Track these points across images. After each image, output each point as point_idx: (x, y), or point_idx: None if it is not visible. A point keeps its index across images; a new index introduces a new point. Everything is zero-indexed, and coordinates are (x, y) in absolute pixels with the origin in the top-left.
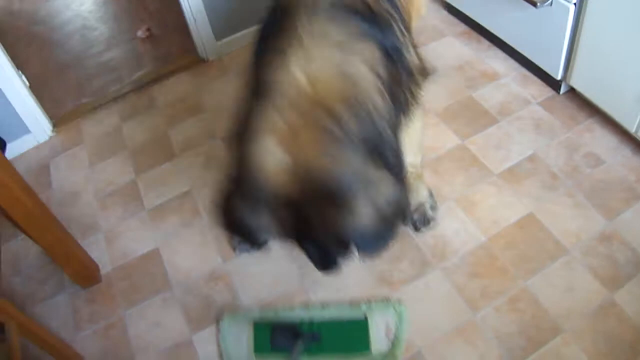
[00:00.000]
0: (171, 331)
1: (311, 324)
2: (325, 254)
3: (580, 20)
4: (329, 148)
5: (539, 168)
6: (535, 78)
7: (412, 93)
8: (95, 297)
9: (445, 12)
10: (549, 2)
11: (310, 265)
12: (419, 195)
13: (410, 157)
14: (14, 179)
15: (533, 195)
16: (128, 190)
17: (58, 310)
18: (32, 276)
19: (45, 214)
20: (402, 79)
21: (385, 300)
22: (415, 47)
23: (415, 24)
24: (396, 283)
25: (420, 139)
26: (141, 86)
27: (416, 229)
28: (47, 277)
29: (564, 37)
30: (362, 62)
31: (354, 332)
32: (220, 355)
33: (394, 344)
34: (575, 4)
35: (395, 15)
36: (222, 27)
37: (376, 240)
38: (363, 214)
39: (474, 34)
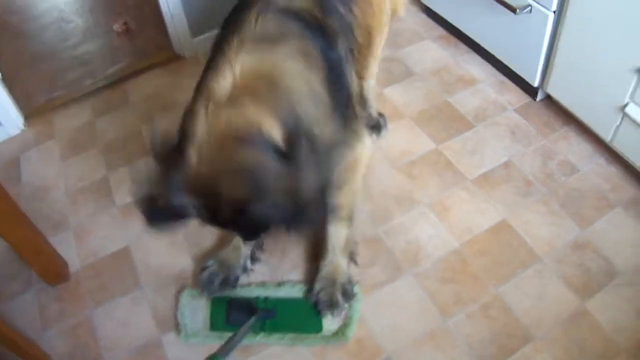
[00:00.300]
0: (140, 331)
1: (266, 300)
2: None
3: (559, 29)
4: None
5: (513, 175)
6: (512, 84)
7: (348, 116)
8: (63, 295)
9: (424, 16)
10: (528, 9)
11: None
12: (337, 271)
13: (341, 197)
14: None
15: (507, 202)
16: (99, 186)
17: (25, 308)
18: None
19: (13, 209)
20: (341, 96)
21: None
22: (362, 76)
23: (378, 51)
24: (367, 287)
25: (357, 181)
26: (115, 81)
27: (318, 309)
28: (14, 274)
29: (542, 45)
30: (292, 57)
31: (308, 311)
32: (177, 327)
33: (346, 323)
34: (554, 12)
35: (344, 35)
36: (199, 23)
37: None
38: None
39: (452, 39)
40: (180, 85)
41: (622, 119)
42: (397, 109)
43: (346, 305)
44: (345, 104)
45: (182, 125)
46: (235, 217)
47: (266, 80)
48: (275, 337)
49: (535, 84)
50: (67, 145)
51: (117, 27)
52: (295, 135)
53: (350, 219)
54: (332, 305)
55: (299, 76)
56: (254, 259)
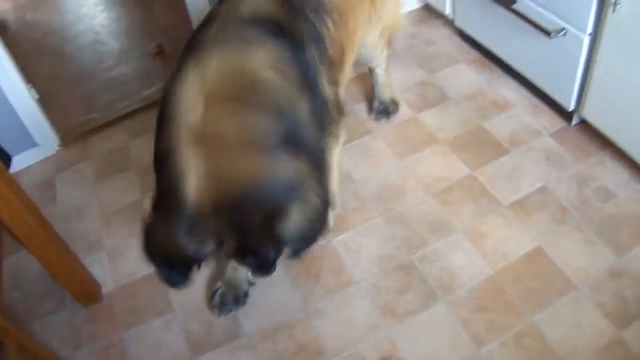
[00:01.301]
0: (172, 354)
1: None
2: (264, 261)
3: (595, 52)
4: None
5: (548, 201)
6: (546, 108)
7: (324, 122)
8: (96, 316)
9: (458, 39)
10: (563, 32)
11: (313, 295)
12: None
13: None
14: (17, 195)
15: (542, 228)
16: (133, 209)
17: (57, 328)
18: (32, 292)
19: (48, 231)
20: (316, 101)
21: None
22: (335, 84)
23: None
24: (401, 315)
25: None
26: (150, 103)
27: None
28: (48, 294)
29: (577, 68)
30: (262, 62)
31: None
32: None
33: None
34: (590, 34)
35: (314, 43)
36: None
37: (307, 241)
38: (296, 218)
39: (487, 62)
40: None
41: None
42: (432, 134)
43: None
44: (321, 107)
45: (161, 173)
46: (265, 234)
47: (241, 84)
48: None
49: (570, 108)
50: (102, 167)
51: (151, 49)
52: (293, 136)
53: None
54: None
55: (272, 79)
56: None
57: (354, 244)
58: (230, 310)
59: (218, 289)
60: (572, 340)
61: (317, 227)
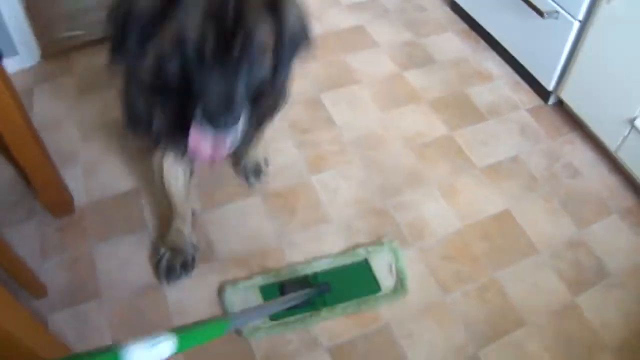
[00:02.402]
0: (142, 272)
1: (316, 276)
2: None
3: (582, 38)
4: None
5: (520, 169)
6: (526, 86)
7: None
8: (66, 228)
9: (448, 9)
10: (555, 15)
11: (288, 227)
12: (255, 157)
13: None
14: (7, 85)
15: (512, 193)
16: (112, 126)
17: (26, 237)
18: (3, 200)
19: (31, 131)
20: None
21: (379, 242)
22: None
23: None
24: None
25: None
26: None
27: (247, 179)
28: (18, 201)
29: (563, 52)
30: None
31: (360, 276)
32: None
33: (400, 277)
34: (580, 21)
35: None
36: None
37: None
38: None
39: (473, 35)
40: None
41: (630, 131)
42: (416, 92)
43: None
44: None
45: None
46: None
47: None
48: (339, 308)
49: (550, 87)
50: (83, 83)
51: None
52: None
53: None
54: (258, 172)
55: None
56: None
57: (332, 183)
58: (179, 277)
59: (162, 256)
60: (531, 299)
61: (302, 36)
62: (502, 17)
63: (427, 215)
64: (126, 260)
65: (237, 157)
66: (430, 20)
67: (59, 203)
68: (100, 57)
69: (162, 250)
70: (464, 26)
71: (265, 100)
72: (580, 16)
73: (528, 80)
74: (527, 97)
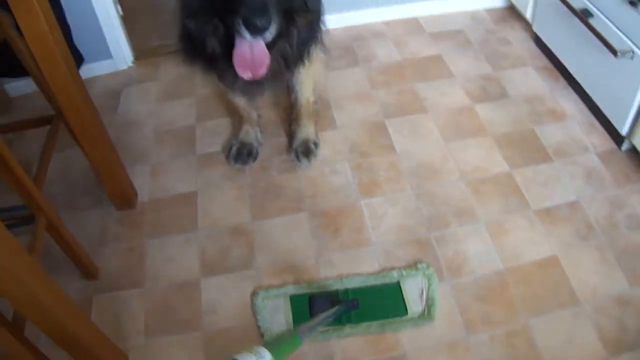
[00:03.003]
0: (184, 269)
1: (347, 292)
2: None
3: None
4: None
5: (577, 216)
6: (600, 128)
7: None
8: (126, 221)
9: (532, 44)
10: (630, 54)
11: (329, 247)
12: (306, 131)
13: (307, 92)
14: (79, 90)
15: (563, 240)
16: (185, 133)
17: (89, 223)
18: (75, 186)
19: (100, 130)
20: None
21: (414, 266)
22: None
23: None
24: None
25: (315, 82)
26: None
27: (299, 159)
28: (89, 191)
29: (637, 95)
30: None
31: (389, 297)
32: (259, 327)
33: (429, 304)
34: None
35: None
36: None
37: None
38: None
39: (554, 72)
40: None
41: None
42: (483, 125)
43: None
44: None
45: None
46: None
47: None
48: (363, 326)
49: (623, 132)
50: (166, 90)
51: None
52: None
53: (314, 100)
54: (309, 153)
55: None
56: (261, 132)
57: (380, 209)
58: (245, 162)
59: (232, 146)
60: (561, 353)
61: None
62: (580, 54)
63: (469, 252)
64: (172, 257)
65: (292, 136)
66: (512, 54)
67: (123, 197)
68: (183, 68)
69: (233, 142)
70: (545, 62)
71: (300, 20)
72: None
73: (603, 123)
74: (599, 140)
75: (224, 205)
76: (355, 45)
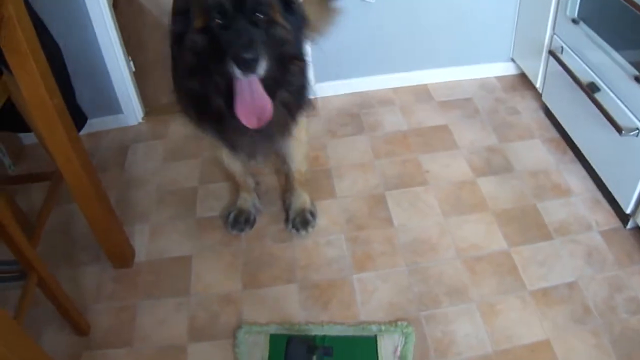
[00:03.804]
0: (173, 333)
1: (324, 338)
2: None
3: None
4: None
5: (574, 297)
6: (606, 205)
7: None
8: (121, 279)
9: (542, 115)
10: (635, 132)
11: (317, 319)
12: (301, 200)
13: (298, 163)
14: (77, 152)
15: (557, 322)
16: (187, 195)
17: (86, 279)
18: (76, 240)
19: (98, 191)
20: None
21: (394, 323)
22: None
23: None
24: None
25: (305, 151)
26: None
27: (296, 229)
28: (88, 246)
29: None
30: None
31: (364, 349)
32: None
33: None
34: None
35: None
36: (323, 71)
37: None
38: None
39: (562, 144)
40: None
41: None
42: (484, 200)
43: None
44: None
45: None
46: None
47: None
48: None
49: (628, 210)
50: (173, 149)
51: None
52: None
53: (306, 170)
54: (306, 224)
55: None
56: (259, 199)
57: (371, 285)
58: (242, 229)
59: (230, 212)
60: None
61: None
62: (587, 128)
63: (458, 333)
64: (163, 319)
65: (287, 207)
66: (520, 125)
67: (120, 256)
68: (192, 126)
69: (232, 208)
70: (554, 134)
71: (294, 68)
72: None
73: (609, 200)
74: (604, 217)
75: (217, 271)
76: (362, 113)
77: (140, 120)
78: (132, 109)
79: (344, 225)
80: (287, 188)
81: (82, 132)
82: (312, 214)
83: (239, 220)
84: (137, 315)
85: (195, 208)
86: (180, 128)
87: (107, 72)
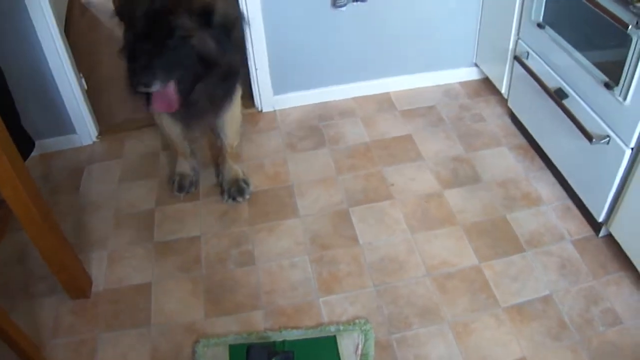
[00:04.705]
0: None
1: (284, 343)
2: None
3: (635, 167)
4: None
5: (549, 312)
6: (577, 213)
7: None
8: (79, 311)
9: (508, 120)
10: (606, 140)
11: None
12: (233, 172)
13: (229, 138)
14: (24, 184)
15: (534, 340)
16: (145, 217)
17: (43, 312)
18: (32, 271)
19: (48, 220)
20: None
21: (352, 322)
22: None
23: None
24: None
25: (237, 127)
26: None
27: (233, 198)
28: (45, 276)
29: (614, 180)
30: None
31: (325, 350)
32: None
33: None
34: (632, 148)
35: None
36: (282, 83)
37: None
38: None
39: (530, 151)
40: (249, 136)
41: None
42: (452, 214)
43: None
44: None
45: None
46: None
47: None
48: None
49: (600, 219)
50: (129, 169)
51: None
52: None
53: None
54: (242, 191)
55: None
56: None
57: (339, 308)
58: (188, 191)
59: (174, 179)
60: None
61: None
62: (555, 136)
63: (431, 356)
64: (124, 353)
65: (221, 183)
66: (486, 132)
67: (76, 287)
68: (149, 144)
69: (175, 175)
70: (521, 141)
71: (218, 68)
72: (632, 143)
73: (580, 207)
74: (576, 226)
75: (178, 299)
76: (323, 125)
77: (95, 139)
78: (85, 128)
79: (308, 245)
80: (219, 161)
81: (34, 153)
82: (246, 182)
83: (183, 184)
84: (98, 349)
85: (153, 232)
86: (136, 146)
87: (58, 91)
